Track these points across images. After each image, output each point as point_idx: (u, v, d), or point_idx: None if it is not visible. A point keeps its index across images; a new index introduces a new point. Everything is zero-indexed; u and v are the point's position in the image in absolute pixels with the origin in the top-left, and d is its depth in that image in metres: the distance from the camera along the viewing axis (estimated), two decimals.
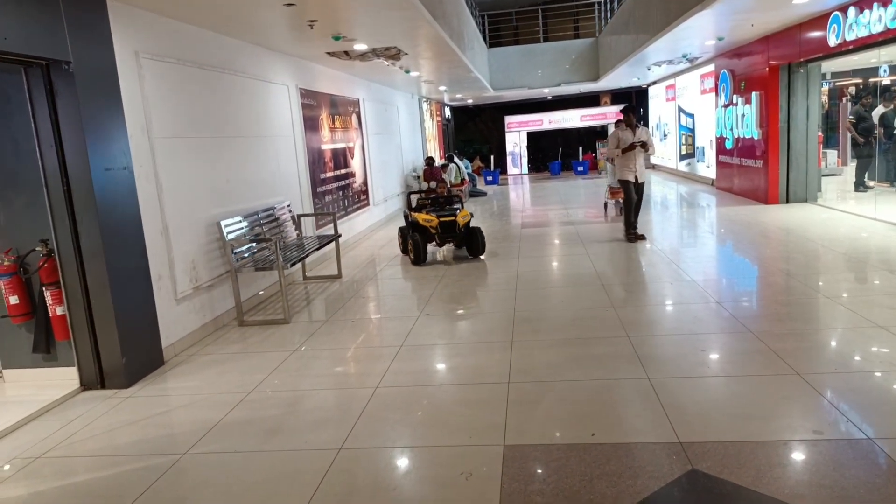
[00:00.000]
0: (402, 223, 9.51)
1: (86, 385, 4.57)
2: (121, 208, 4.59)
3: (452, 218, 8.24)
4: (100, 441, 3.75)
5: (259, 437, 3.62)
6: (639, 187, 8.70)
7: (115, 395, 4.44)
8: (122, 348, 4.50)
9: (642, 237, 8.76)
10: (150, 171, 5.08)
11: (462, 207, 8.76)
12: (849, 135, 11.62)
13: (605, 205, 12.12)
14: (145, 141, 5.05)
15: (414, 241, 8.11)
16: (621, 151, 8.57)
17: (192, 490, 3.15)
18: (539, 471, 3.04)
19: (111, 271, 4.42)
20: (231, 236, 5.98)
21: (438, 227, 8.19)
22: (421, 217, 8.27)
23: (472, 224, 8.72)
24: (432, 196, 9.15)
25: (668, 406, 3.61)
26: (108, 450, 3.63)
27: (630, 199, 8.66)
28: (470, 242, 8.42)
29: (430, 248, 8.64)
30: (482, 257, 8.40)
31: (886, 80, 11.87)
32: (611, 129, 23.10)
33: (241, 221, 6.31)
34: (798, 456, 3.01)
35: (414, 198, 9.53)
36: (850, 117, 11.43)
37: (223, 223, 5.94)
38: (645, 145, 8.52)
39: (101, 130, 4.42)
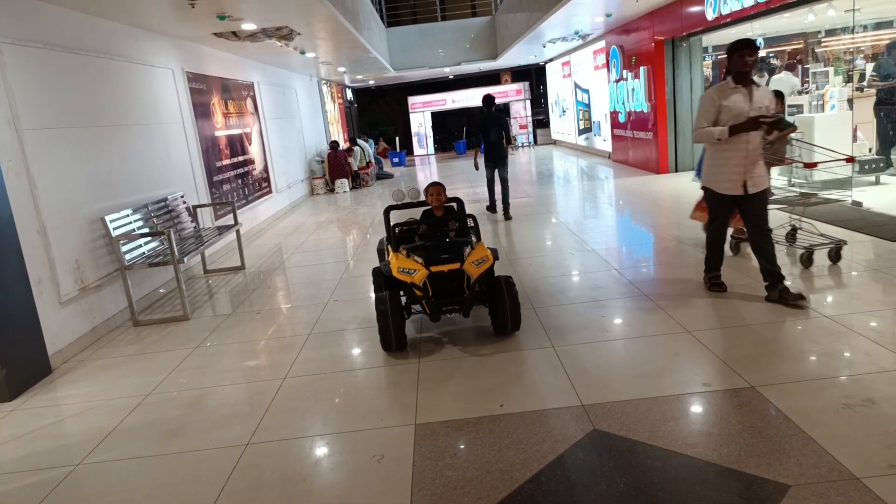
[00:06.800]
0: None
1: None
2: None
3: (456, 266, 4.19)
4: None
5: (159, 441, 3.46)
6: (750, 205, 4.49)
7: None
8: (2, 359, 4.15)
9: (722, 286, 4.88)
10: (20, 167, 4.68)
11: (478, 239, 4.59)
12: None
13: (736, 243, 5.90)
14: (12, 134, 4.64)
15: (382, 312, 4.17)
16: (728, 132, 4.32)
17: (87, 501, 2.97)
18: (450, 446, 3.08)
19: None
20: (118, 231, 5.63)
21: (429, 283, 4.16)
22: (396, 264, 4.28)
23: (493, 269, 4.43)
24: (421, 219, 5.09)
25: (572, 372, 3.74)
26: None
27: (720, 226, 4.78)
28: (494, 305, 4.38)
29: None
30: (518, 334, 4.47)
31: (762, 52, 12.65)
32: (514, 107, 23.77)
33: (130, 215, 5.95)
34: (689, 408, 3.20)
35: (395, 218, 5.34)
36: (873, 74, 8.69)
37: (108, 218, 5.57)
38: (778, 123, 4.36)
39: None
